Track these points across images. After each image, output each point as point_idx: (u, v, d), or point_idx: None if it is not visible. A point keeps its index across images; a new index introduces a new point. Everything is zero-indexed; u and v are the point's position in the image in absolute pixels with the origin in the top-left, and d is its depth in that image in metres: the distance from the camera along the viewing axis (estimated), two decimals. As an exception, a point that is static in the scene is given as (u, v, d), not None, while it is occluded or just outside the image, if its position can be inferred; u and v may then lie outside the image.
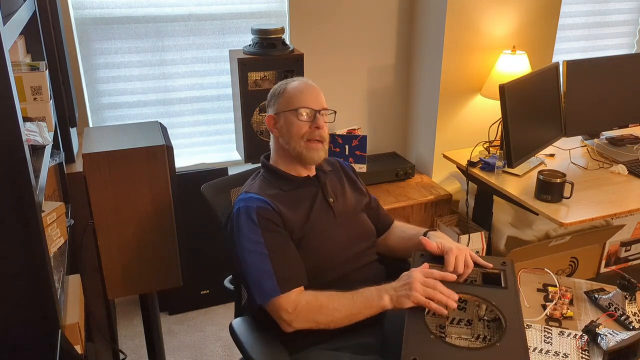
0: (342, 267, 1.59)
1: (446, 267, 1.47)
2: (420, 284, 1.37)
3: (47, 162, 1.48)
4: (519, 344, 1.25)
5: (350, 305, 1.42)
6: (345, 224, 1.64)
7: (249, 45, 2.48)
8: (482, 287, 1.45)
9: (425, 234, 1.65)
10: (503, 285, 1.45)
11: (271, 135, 1.69)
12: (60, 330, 1.29)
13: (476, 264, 1.51)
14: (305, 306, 1.43)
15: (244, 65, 2.36)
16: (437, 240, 1.56)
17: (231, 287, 1.84)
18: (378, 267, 1.71)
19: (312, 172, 1.68)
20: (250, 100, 2.41)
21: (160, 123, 1.87)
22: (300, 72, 2.44)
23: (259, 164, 1.73)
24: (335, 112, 1.67)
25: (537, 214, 2.29)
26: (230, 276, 1.86)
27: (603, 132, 2.88)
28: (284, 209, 1.54)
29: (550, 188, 2.25)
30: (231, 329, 1.61)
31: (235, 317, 1.80)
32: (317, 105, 1.62)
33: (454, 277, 1.41)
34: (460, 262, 1.47)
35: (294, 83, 1.65)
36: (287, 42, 2.61)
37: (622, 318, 1.71)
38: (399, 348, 1.36)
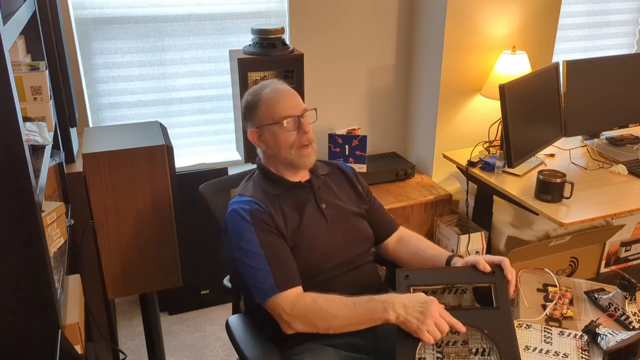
0: (332, 271, 1.59)
1: (507, 274, 1.45)
2: (434, 321, 1.33)
3: (47, 162, 1.48)
4: None
5: (351, 314, 1.40)
6: (337, 230, 1.62)
7: (249, 45, 2.48)
8: (474, 312, 1.43)
9: (449, 260, 1.59)
10: (495, 304, 1.41)
11: (256, 147, 1.66)
12: (60, 330, 1.29)
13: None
14: (303, 309, 1.43)
15: (244, 65, 2.36)
16: (482, 258, 1.51)
17: (229, 285, 1.85)
18: (371, 269, 1.70)
19: (306, 176, 1.67)
20: (250, 100, 2.41)
21: (160, 123, 1.87)
22: (300, 72, 2.44)
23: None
24: (316, 109, 1.65)
25: (537, 214, 2.29)
26: (229, 275, 1.87)
27: (603, 132, 2.88)
28: (277, 213, 1.54)
29: (550, 188, 2.25)
30: (227, 326, 1.62)
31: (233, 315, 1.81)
32: (297, 110, 1.57)
33: (463, 328, 1.35)
34: (512, 270, 1.47)
35: (267, 91, 1.58)
36: (287, 42, 2.61)
37: (622, 318, 1.71)
38: (389, 350, 1.37)
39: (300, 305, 1.43)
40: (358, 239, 1.67)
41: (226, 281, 1.87)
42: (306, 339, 1.52)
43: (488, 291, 1.46)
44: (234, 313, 1.83)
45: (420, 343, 1.33)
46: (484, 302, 1.48)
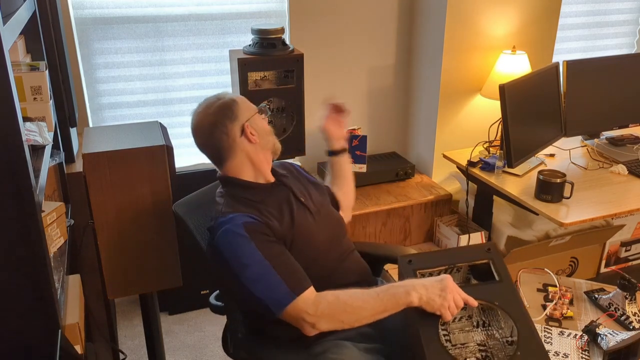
0: (330, 263, 1.60)
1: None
2: (452, 296, 1.37)
3: (47, 162, 1.48)
4: (538, 348, 1.30)
5: (377, 303, 1.41)
6: (321, 220, 1.65)
7: (249, 45, 2.48)
8: (479, 287, 1.47)
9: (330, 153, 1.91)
10: (496, 278, 1.47)
11: (234, 154, 1.59)
12: (60, 330, 1.30)
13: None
14: (327, 307, 1.41)
15: (244, 65, 2.36)
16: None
17: (218, 303, 1.78)
18: (358, 256, 1.73)
19: (272, 177, 1.65)
20: (250, 100, 2.40)
21: (160, 123, 1.87)
22: (300, 72, 2.44)
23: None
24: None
25: (537, 214, 2.29)
26: (216, 292, 1.82)
27: (603, 132, 2.88)
28: (270, 220, 1.51)
29: (550, 188, 2.25)
30: (240, 344, 1.62)
31: (228, 330, 1.75)
32: None
33: (475, 302, 1.39)
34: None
35: (229, 95, 1.66)
36: (287, 42, 2.61)
37: (622, 318, 1.71)
38: (398, 336, 1.44)
39: (323, 304, 1.41)
40: (338, 225, 1.72)
41: (213, 299, 1.79)
42: (319, 336, 1.52)
43: (484, 267, 1.51)
44: (231, 328, 1.75)
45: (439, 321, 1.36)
46: (479, 279, 1.54)
